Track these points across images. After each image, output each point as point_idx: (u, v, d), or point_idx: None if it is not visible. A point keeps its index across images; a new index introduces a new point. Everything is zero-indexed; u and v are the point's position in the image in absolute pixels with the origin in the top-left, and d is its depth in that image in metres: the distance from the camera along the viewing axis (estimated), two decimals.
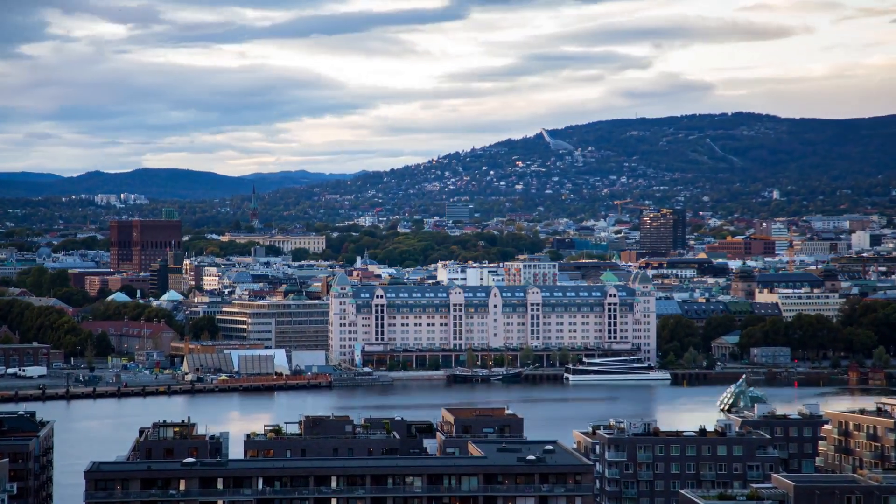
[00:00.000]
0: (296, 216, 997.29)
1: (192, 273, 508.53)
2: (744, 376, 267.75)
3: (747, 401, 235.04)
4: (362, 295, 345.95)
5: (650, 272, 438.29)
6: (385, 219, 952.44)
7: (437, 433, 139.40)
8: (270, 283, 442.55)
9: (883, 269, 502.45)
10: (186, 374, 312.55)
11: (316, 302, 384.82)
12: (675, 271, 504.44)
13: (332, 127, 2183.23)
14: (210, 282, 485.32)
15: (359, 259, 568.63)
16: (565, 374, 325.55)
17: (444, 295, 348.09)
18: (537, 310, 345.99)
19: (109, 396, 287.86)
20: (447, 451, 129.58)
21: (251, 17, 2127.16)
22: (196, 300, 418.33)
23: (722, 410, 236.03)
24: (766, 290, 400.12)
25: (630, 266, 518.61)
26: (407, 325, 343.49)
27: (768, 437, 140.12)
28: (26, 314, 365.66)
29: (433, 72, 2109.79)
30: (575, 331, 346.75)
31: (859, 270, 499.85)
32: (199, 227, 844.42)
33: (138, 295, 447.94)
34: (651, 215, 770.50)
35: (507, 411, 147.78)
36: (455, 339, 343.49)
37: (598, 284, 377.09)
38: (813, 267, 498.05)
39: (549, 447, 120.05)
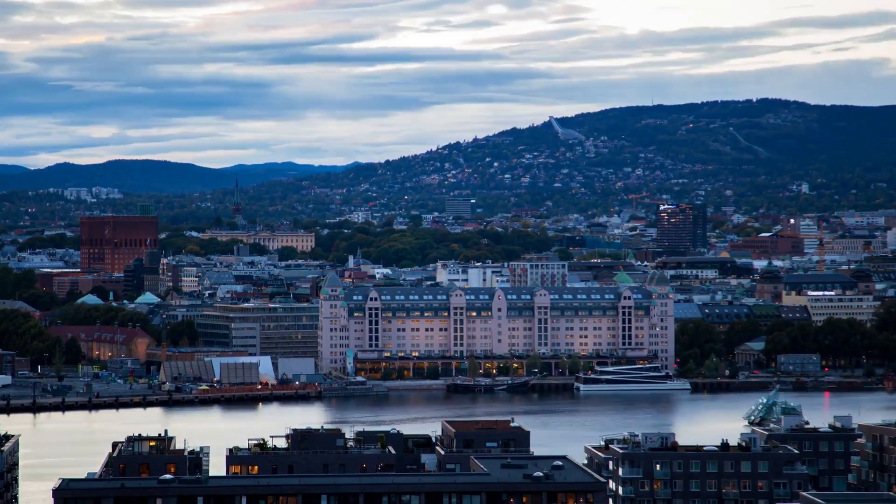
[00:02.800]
0: (282, 212, 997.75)
1: (170, 273, 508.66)
2: (777, 386, 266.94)
3: (779, 413, 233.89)
4: (355, 297, 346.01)
5: (668, 273, 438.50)
6: (379, 214, 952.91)
7: (436, 448, 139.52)
8: (255, 285, 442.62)
9: None
10: (163, 383, 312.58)
11: (304, 305, 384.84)
12: (694, 272, 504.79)
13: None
14: (189, 283, 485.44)
15: (351, 258, 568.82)
16: (576, 384, 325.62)
17: (444, 297, 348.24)
18: (545, 314, 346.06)
19: (80, 408, 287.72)
20: (447, 467, 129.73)
21: None
22: (174, 303, 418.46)
23: (751, 423, 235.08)
24: (793, 293, 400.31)
25: (646, 266, 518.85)
26: (403, 330, 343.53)
27: (796, 452, 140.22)
28: None
29: None
30: (586, 337, 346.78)
31: (895, 271, 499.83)
32: (178, 223, 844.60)
33: (111, 297, 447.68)
34: (669, 211, 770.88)
35: (512, 424, 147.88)
36: (456, 345, 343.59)
37: (611, 286, 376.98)
38: (845, 267, 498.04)
39: (558, 463, 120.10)
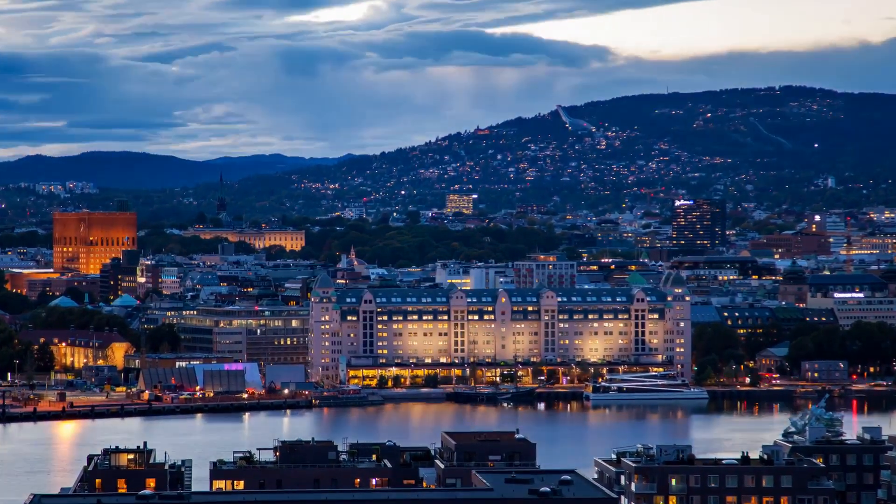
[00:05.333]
0: (270, 208, 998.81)
1: (150, 274, 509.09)
2: (826, 396, 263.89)
3: (820, 423, 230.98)
4: (348, 300, 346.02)
5: (684, 273, 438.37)
6: (374, 211, 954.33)
7: (436, 461, 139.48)
8: (240, 286, 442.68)
9: None
10: (142, 391, 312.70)
11: (294, 308, 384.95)
12: (713, 272, 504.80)
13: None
14: (170, 284, 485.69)
15: (344, 258, 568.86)
16: (585, 392, 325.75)
17: (444, 299, 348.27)
18: (552, 317, 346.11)
19: (53, 418, 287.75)
20: (447, 482, 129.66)
21: None
22: (154, 305, 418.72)
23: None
24: (819, 294, 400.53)
25: (661, 266, 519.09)
26: (400, 334, 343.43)
27: (822, 465, 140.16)
28: None
29: None
30: (596, 342, 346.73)
31: None
32: (158, 220, 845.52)
33: (86, 299, 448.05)
34: (685, 206, 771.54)
35: (517, 435, 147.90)
36: (456, 351, 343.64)
37: (623, 287, 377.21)
38: (874, 267, 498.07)
39: (566, 477, 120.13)
